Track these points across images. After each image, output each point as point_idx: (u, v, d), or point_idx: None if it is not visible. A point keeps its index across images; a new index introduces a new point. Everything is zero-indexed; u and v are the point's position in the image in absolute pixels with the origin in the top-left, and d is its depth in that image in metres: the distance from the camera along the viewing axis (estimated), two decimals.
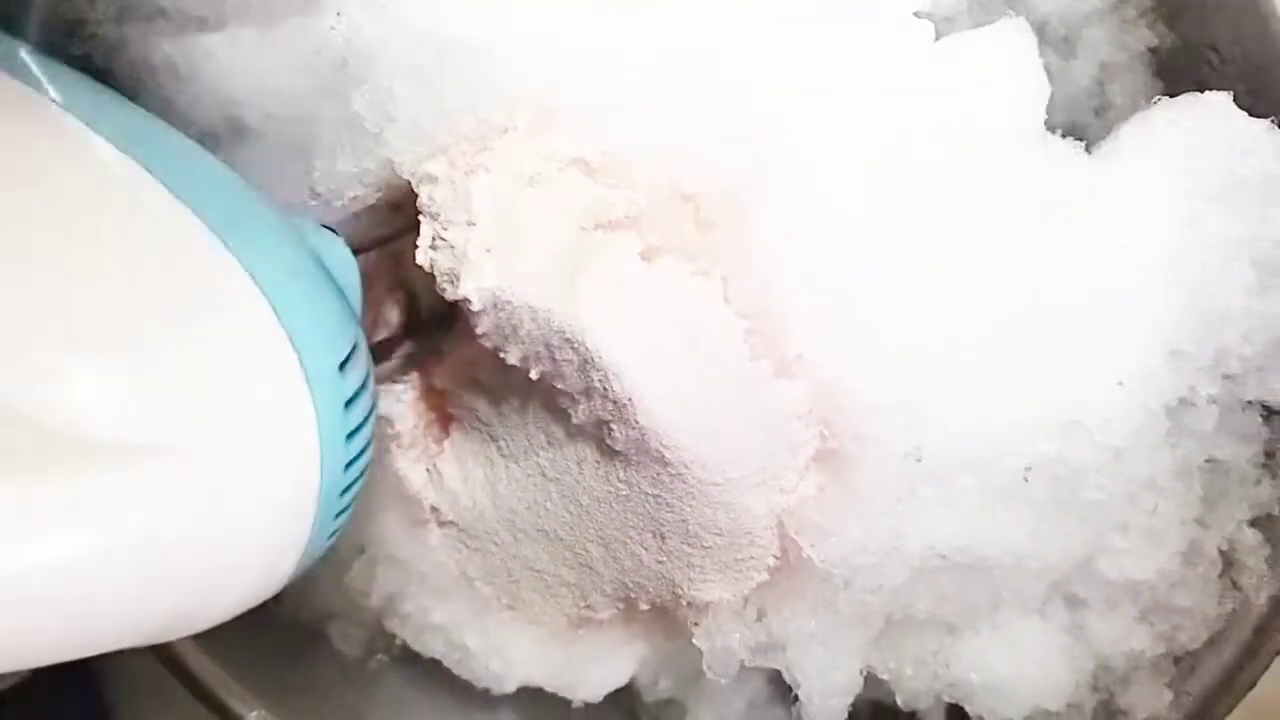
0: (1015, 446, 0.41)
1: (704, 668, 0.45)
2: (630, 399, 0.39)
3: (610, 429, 0.40)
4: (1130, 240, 0.42)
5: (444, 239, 0.39)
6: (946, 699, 0.48)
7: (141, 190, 0.29)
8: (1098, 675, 0.47)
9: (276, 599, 0.53)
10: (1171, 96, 0.43)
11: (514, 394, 0.44)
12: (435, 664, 0.53)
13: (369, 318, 0.48)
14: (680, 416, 0.39)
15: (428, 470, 0.48)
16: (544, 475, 0.45)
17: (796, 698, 0.52)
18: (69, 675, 0.66)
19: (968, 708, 0.47)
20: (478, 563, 0.48)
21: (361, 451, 0.34)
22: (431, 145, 0.39)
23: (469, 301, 0.38)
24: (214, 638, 0.51)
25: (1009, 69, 0.42)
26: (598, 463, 0.43)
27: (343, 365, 0.32)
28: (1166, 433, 0.43)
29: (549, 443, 0.44)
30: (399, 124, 0.40)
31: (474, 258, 0.38)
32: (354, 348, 0.33)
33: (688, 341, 0.39)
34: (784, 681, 0.52)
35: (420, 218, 0.40)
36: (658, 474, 0.41)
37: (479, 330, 0.40)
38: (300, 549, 0.32)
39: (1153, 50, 0.46)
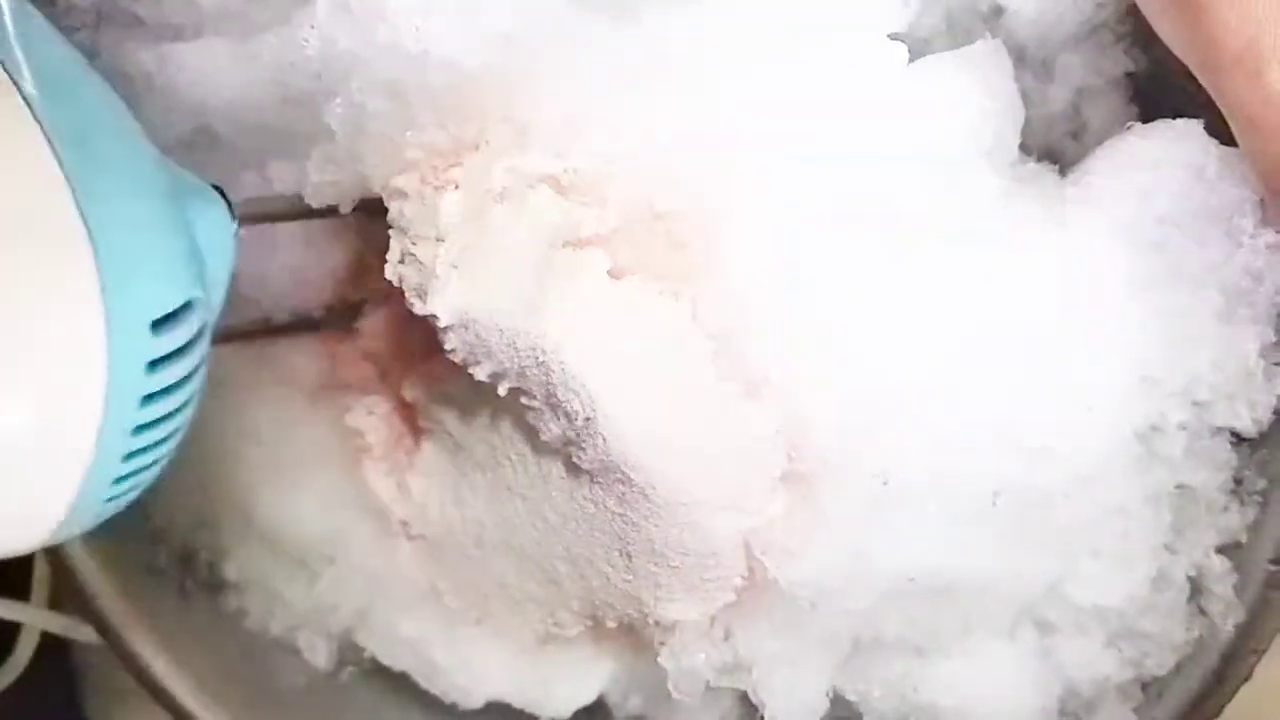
0: (983, 471, 0.41)
1: (669, 687, 0.45)
2: (596, 418, 0.38)
3: (577, 447, 0.40)
4: (1100, 265, 0.41)
5: (412, 254, 0.38)
6: None
7: None
8: (1065, 700, 0.47)
9: (244, 611, 0.54)
10: (1146, 122, 0.43)
11: (483, 409, 0.44)
12: (405, 676, 0.53)
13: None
14: (646, 436, 0.39)
15: (398, 483, 0.48)
16: (511, 490, 0.45)
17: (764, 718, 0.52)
18: (47, 682, 0.66)
19: None
20: (447, 576, 0.48)
21: (161, 420, 0.31)
22: (402, 160, 0.39)
23: (436, 318, 0.38)
24: (182, 648, 0.52)
25: (984, 92, 0.42)
26: (564, 480, 0.42)
27: (159, 323, 0.30)
28: (1136, 458, 0.43)
29: (517, 458, 0.44)
30: (370, 137, 0.40)
31: (441, 274, 0.38)
32: (183, 308, 0.31)
33: (655, 361, 0.39)
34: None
35: (390, 232, 0.40)
36: (623, 493, 0.41)
37: (447, 346, 0.40)
38: (65, 501, 0.30)
39: (1129, 75, 0.46)
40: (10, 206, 0.27)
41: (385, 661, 0.52)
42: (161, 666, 0.52)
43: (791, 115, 0.40)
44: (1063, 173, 0.44)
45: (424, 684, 0.51)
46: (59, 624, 0.62)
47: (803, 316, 0.39)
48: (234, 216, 0.36)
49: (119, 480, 0.31)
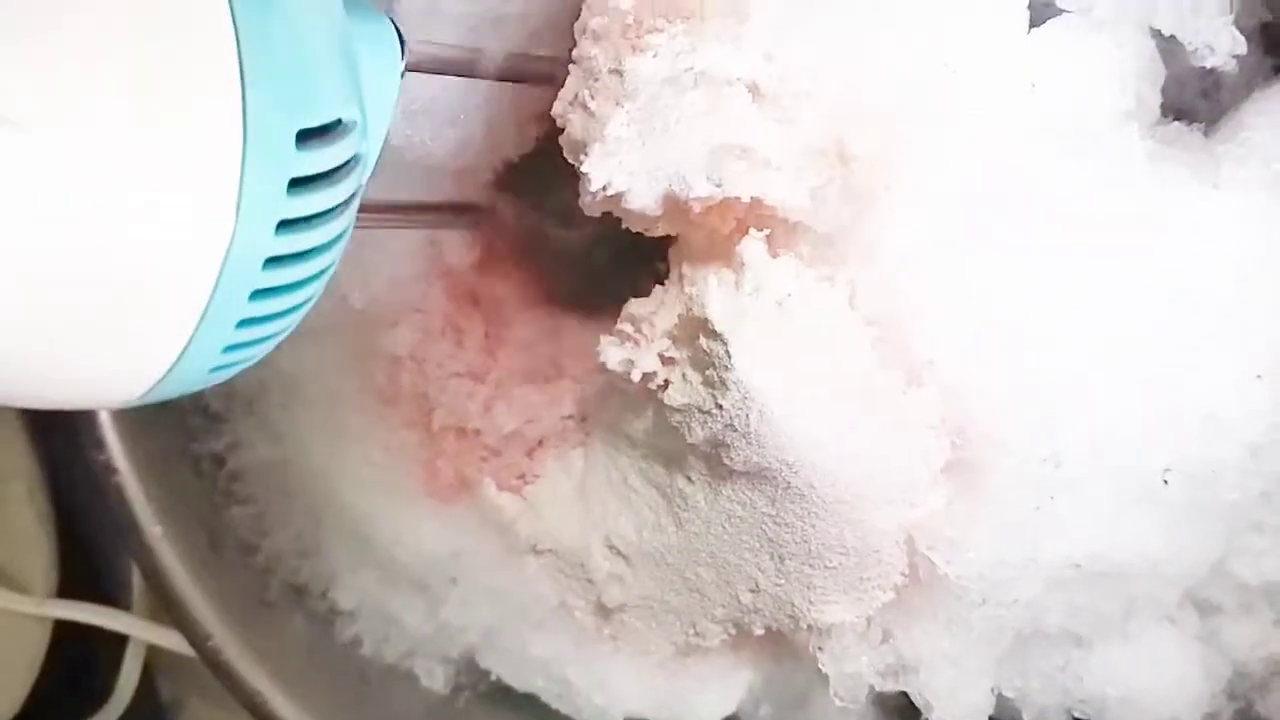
0: (1154, 447, 0.39)
1: (831, 694, 0.43)
2: (752, 415, 0.36)
3: (727, 448, 0.38)
4: (1260, 223, 0.40)
5: (588, 101, 0.36)
6: (1077, 715, 0.45)
7: None
8: (1234, 682, 0.45)
9: (359, 639, 0.52)
10: None
11: (616, 417, 0.42)
12: (528, 698, 0.51)
13: None
14: (809, 433, 0.37)
15: (522, 498, 0.46)
16: (649, 499, 0.43)
17: (904, 718, 0.50)
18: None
19: None
20: (578, 592, 0.46)
21: (297, 258, 0.26)
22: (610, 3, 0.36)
23: (588, 179, 0.36)
24: (297, 680, 0.51)
25: (1121, 51, 0.40)
26: (708, 484, 0.41)
27: (304, 136, 0.25)
28: None
29: (656, 465, 0.42)
30: None
31: (611, 136, 0.35)
32: (334, 126, 0.26)
33: (816, 351, 0.37)
34: (889, 704, 0.51)
35: (570, 66, 0.37)
36: (775, 494, 0.39)
37: (581, 201, 0.37)
38: (181, 337, 0.25)
39: (1264, 26, 0.44)
40: None
41: (513, 683, 0.50)
42: (280, 701, 0.50)
43: (929, 89, 0.38)
44: (1205, 132, 0.42)
45: (555, 704, 0.50)
46: (162, 636, 0.61)
47: (964, 296, 0.38)
48: (404, 54, 0.32)
49: (241, 324, 0.26)
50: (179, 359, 0.25)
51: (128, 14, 0.22)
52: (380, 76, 0.30)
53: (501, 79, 0.40)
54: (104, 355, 0.25)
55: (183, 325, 0.25)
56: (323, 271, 0.28)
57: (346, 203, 0.28)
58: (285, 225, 0.25)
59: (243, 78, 0.24)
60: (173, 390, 0.26)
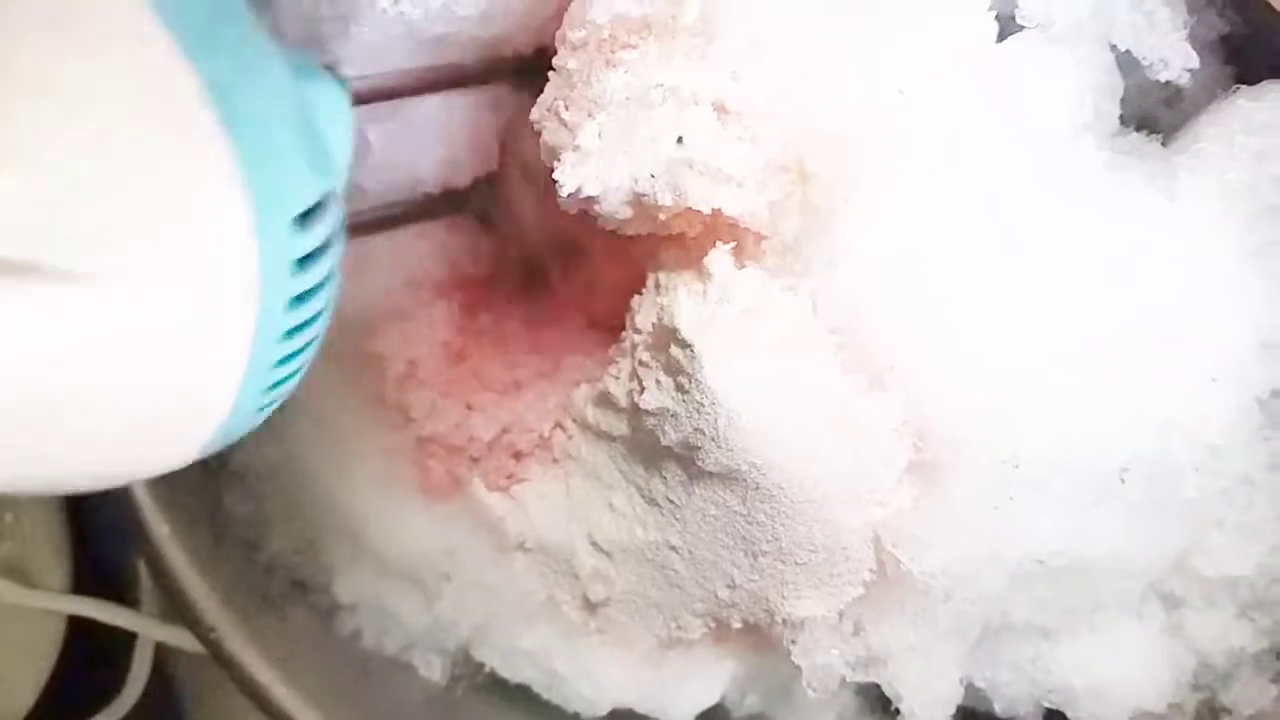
0: (1111, 448, 0.41)
1: (804, 685, 0.44)
2: (719, 421, 0.38)
3: (699, 451, 0.40)
4: (1214, 232, 0.41)
5: (562, 113, 0.38)
6: (1046, 704, 0.47)
7: None
8: (1198, 674, 0.47)
9: (359, 632, 0.54)
10: (1241, 84, 0.42)
11: (596, 420, 0.44)
12: (522, 689, 0.53)
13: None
14: (775, 437, 0.38)
15: (510, 496, 0.48)
16: (629, 497, 0.44)
17: (886, 709, 0.51)
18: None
19: (1069, 713, 0.47)
20: (565, 587, 0.48)
21: (308, 322, 0.30)
22: (585, 18, 0.38)
23: (560, 184, 0.37)
24: (297, 669, 0.52)
25: (1080, 64, 0.42)
26: (684, 484, 0.42)
27: (302, 218, 0.28)
28: (1259, 426, 0.43)
29: (634, 465, 0.44)
30: None
31: (584, 145, 0.37)
32: (319, 203, 0.29)
33: (781, 358, 0.38)
34: (872, 694, 0.52)
35: (550, 74, 0.39)
36: (747, 494, 0.40)
37: (558, 200, 0.39)
38: (221, 414, 0.28)
39: (1224, 38, 0.45)
40: (141, 106, 0.25)
41: (506, 675, 0.52)
42: (275, 685, 0.52)
43: (894, 97, 0.40)
44: (1163, 142, 0.43)
45: (546, 695, 0.51)
46: (170, 633, 0.63)
47: (924, 303, 0.39)
48: (349, 98, 0.34)
49: (273, 386, 0.30)
50: (227, 415, 0.29)
51: (130, 148, 0.25)
52: (337, 130, 0.32)
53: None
54: (167, 429, 0.28)
55: (221, 401, 0.28)
56: (323, 331, 0.31)
57: (336, 265, 0.31)
58: (296, 299, 0.29)
59: (245, 185, 0.26)
60: (222, 439, 0.30)
